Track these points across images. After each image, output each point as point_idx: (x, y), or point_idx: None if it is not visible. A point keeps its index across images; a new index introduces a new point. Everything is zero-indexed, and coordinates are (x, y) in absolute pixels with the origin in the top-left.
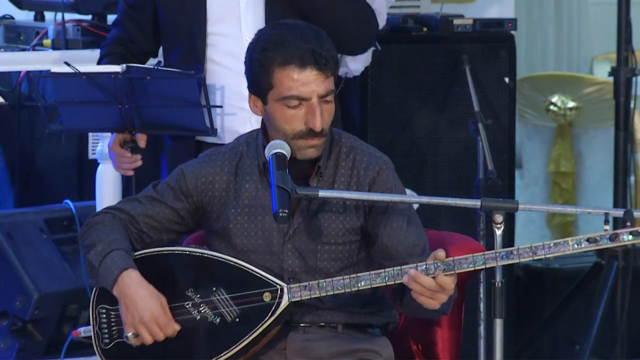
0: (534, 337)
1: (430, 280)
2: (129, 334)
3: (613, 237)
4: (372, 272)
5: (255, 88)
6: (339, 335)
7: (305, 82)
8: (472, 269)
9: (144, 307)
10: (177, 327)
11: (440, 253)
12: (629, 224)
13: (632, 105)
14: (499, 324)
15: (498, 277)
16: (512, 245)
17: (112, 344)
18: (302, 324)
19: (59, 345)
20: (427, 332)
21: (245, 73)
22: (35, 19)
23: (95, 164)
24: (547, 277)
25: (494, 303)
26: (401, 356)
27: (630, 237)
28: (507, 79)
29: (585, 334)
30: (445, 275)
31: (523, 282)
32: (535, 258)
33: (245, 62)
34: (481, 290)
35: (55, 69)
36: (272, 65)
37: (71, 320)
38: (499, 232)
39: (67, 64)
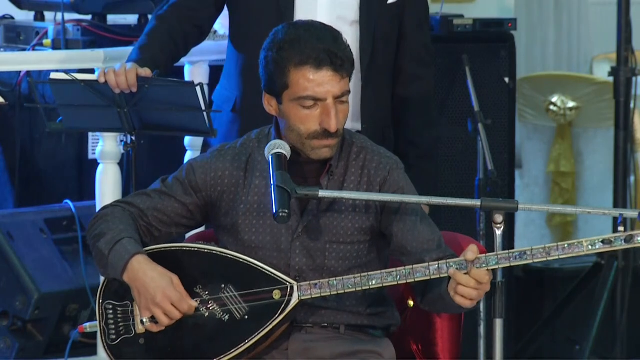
0: (534, 337)
1: (467, 278)
2: (145, 319)
3: (628, 239)
4: (383, 271)
5: (270, 88)
6: (341, 337)
7: (320, 82)
8: (485, 268)
9: (154, 288)
10: (194, 303)
11: (470, 255)
12: None
13: (632, 105)
14: (499, 324)
15: (498, 277)
16: (512, 246)
17: (118, 340)
18: (304, 325)
19: (59, 345)
20: (427, 332)
21: (260, 72)
22: (35, 19)
23: (95, 164)
24: (547, 277)
25: (494, 303)
26: (401, 356)
27: None
28: (507, 79)
29: (585, 334)
30: (477, 269)
31: (523, 282)
32: (549, 259)
33: (260, 62)
34: None
35: (54, 75)
36: (288, 65)
37: (71, 320)
38: (499, 232)
39: (66, 73)
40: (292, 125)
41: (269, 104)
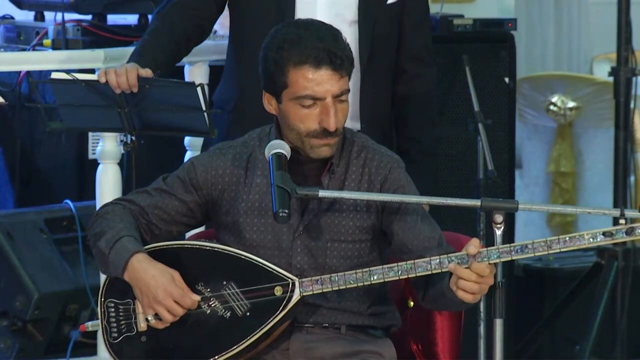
0: (534, 337)
1: (468, 272)
2: (149, 317)
3: (629, 231)
4: (385, 266)
5: (270, 87)
6: (341, 337)
7: (319, 81)
8: (487, 262)
9: (156, 286)
10: (196, 298)
11: (472, 249)
12: None
13: (632, 105)
14: (499, 324)
15: (498, 277)
16: None
17: (120, 338)
18: (305, 325)
19: (59, 345)
20: (427, 332)
21: (260, 72)
22: (35, 19)
23: (95, 164)
24: (547, 277)
25: (494, 303)
26: (401, 356)
27: None
28: (507, 79)
29: (585, 334)
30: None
31: (523, 282)
32: (551, 252)
33: (259, 61)
34: None
35: (55, 75)
36: (287, 64)
37: (71, 320)
38: (499, 232)
39: (66, 73)
40: (292, 124)
41: (269, 103)
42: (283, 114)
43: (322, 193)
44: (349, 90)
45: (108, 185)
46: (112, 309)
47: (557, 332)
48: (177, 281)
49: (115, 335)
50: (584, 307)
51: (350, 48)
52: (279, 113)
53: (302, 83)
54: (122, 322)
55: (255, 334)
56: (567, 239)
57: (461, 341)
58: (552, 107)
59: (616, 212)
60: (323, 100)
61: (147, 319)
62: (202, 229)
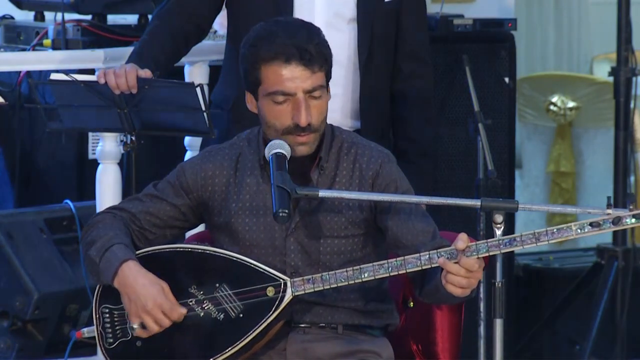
0: (534, 337)
1: (457, 267)
2: (135, 325)
3: (616, 221)
4: (375, 263)
5: (247, 84)
6: (339, 336)
7: (290, 77)
8: (476, 256)
9: (145, 295)
10: (183, 311)
11: (460, 244)
12: (631, 207)
13: (632, 105)
14: (499, 324)
15: (498, 277)
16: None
17: (116, 343)
18: (302, 325)
19: (59, 345)
20: (427, 332)
21: (239, 70)
22: (35, 19)
23: (95, 164)
24: (547, 277)
25: (494, 303)
26: (401, 356)
27: (634, 220)
28: (507, 79)
29: (585, 334)
30: (467, 257)
31: (523, 282)
32: (539, 244)
33: (238, 59)
34: (481, 290)
35: (54, 76)
36: (259, 61)
37: (71, 320)
38: (499, 232)
39: (66, 74)
40: (268, 121)
41: (250, 102)
42: (260, 111)
43: (322, 193)
44: (322, 86)
45: (108, 185)
46: (107, 315)
47: (557, 332)
48: (167, 293)
49: (111, 340)
50: (584, 307)
51: (327, 45)
52: (258, 111)
53: (273, 79)
54: (117, 327)
55: (249, 335)
56: (555, 230)
57: (461, 341)
58: (552, 107)
59: (617, 212)
60: (294, 96)
61: (132, 327)
62: (201, 228)
